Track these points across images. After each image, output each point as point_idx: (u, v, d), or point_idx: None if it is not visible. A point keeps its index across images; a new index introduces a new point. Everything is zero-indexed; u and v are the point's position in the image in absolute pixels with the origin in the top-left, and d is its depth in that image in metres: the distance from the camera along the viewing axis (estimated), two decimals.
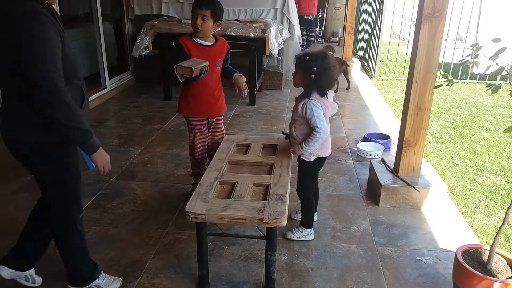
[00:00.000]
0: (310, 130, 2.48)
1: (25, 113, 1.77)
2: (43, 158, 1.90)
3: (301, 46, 7.86)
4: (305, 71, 2.40)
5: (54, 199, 2.02)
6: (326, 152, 2.61)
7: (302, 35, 8.70)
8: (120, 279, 2.32)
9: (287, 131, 2.76)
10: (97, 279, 2.22)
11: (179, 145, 4.26)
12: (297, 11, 7.08)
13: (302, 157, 2.59)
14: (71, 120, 1.73)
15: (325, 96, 2.46)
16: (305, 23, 9.18)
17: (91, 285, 2.20)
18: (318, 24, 10.04)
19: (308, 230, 2.73)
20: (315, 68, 2.36)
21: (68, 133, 1.76)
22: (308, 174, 2.68)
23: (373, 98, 6.30)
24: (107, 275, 2.27)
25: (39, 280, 2.31)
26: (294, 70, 2.51)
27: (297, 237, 2.73)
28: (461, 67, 7.15)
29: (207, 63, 2.67)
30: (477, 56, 1.89)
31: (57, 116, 1.70)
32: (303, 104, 2.44)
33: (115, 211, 3.03)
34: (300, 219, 2.92)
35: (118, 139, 4.43)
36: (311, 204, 2.74)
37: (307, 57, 2.39)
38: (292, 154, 2.64)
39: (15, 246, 2.23)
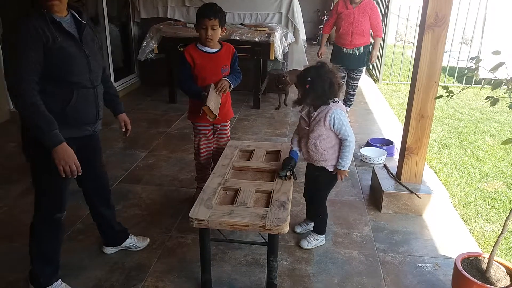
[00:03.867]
0: (337, 141, 2.49)
1: None
2: (36, 149, 2.01)
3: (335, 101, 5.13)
4: (301, 84, 2.42)
5: (35, 187, 2.14)
6: None
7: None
8: None
9: (284, 172, 2.47)
10: (50, 286, 2.25)
11: (183, 148, 4.31)
12: (335, 40, 4.96)
13: (328, 168, 2.54)
14: (23, 113, 1.90)
15: (337, 101, 2.46)
16: (343, 59, 4.89)
17: None
18: (367, 62, 5.01)
19: (322, 236, 2.77)
20: (309, 79, 2.37)
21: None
22: (331, 185, 2.68)
23: (377, 102, 6.32)
24: (62, 284, 2.30)
25: (141, 244, 2.70)
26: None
27: (314, 245, 2.73)
28: (465, 71, 7.15)
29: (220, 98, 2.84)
30: (477, 68, 1.92)
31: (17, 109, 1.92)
32: (327, 115, 2.40)
33: (120, 215, 3.06)
34: (304, 231, 2.92)
35: (123, 142, 4.48)
36: (327, 212, 2.76)
37: (302, 72, 2.42)
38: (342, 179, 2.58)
39: (99, 230, 2.61)
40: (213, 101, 2.74)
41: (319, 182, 2.64)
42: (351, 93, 5.17)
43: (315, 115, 2.45)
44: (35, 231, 2.19)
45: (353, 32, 4.73)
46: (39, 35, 1.84)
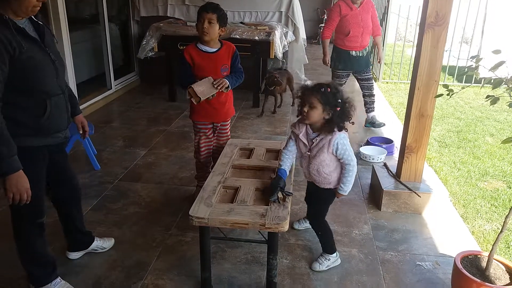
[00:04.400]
0: (338, 164, 2.35)
1: None
2: None
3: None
4: (329, 104, 2.18)
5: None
6: None
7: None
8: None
9: (275, 196, 2.22)
10: (49, 283, 2.24)
11: (183, 147, 4.31)
12: (339, 43, 4.59)
13: (328, 186, 2.42)
14: None
15: (345, 129, 2.30)
16: (352, 63, 4.63)
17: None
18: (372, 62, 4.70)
19: (334, 255, 2.58)
20: (339, 100, 2.18)
21: None
22: (330, 202, 2.55)
23: (377, 101, 6.28)
24: (62, 281, 2.29)
25: (107, 244, 2.66)
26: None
27: (326, 266, 2.55)
28: (466, 70, 7.15)
29: (215, 92, 2.78)
30: (477, 67, 1.92)
31: None
32: (331, 141, 2.25)
33: (119, 213, 3.08)
34: (303, 228, 2.92)
35: (123, 140, 4.48)
36: (328, 228, 2.59)
37: (328, 89, 2.17)
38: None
39: (66, 235, 2.53)
40: (203, 88, 2.72)
41: (321, 197, 2.52)
42: (368, 93, 4.81)
43: (317, 141, 2.29)
44: (20, 237, 2.15)
45: (363, 32, 4.47)
46: (5, 48, 1.70)
